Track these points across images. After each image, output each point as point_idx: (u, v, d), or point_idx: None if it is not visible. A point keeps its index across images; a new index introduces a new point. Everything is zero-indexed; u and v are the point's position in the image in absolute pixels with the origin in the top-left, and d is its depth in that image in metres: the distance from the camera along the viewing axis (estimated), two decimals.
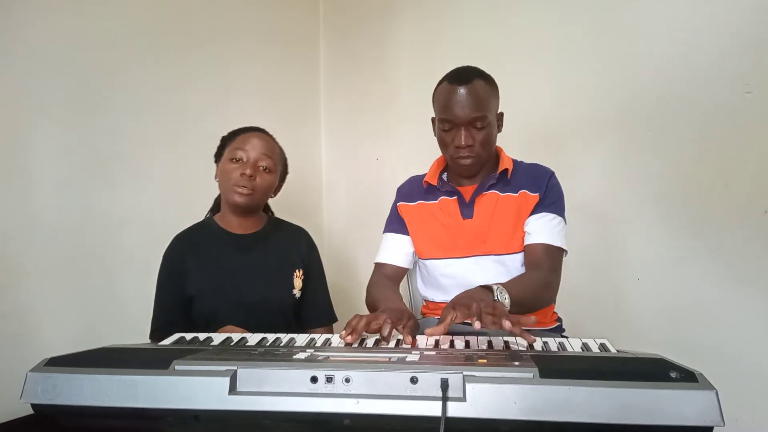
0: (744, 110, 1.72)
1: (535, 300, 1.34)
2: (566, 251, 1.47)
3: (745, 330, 1.74)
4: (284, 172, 1.68)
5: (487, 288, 1.19)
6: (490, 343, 1.10)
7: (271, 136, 1.64)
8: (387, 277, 1.58)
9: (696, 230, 1.84)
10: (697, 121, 1.82)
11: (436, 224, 1.54)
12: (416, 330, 1.29)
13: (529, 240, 1.45)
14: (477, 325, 1.03)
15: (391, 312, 1.21)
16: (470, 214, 1.50)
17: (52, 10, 1.88)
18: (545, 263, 1.41)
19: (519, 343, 1.09)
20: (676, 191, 1.87)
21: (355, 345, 1.13)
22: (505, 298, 1.17)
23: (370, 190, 2.80)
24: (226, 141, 1.61)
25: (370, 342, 1.15)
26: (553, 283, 1.42)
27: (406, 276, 1.68)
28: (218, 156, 1.62)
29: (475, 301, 1.08)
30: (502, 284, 1.22)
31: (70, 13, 1.93)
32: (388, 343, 1.13)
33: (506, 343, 1.10)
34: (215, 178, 1.62)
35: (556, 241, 1.44)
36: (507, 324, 1.02)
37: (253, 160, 1.54)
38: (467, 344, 1.10)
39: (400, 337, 1.15)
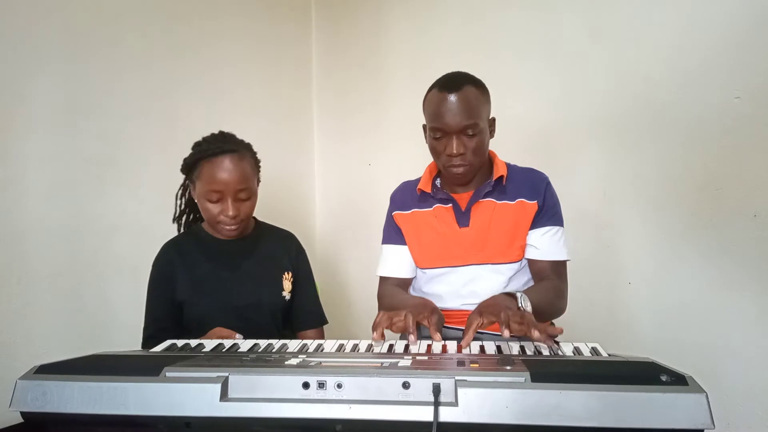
0: (733, 115, 1.73)
1: (550, 308, 1.38)
2: (569, 260, 1.50)
3: (735, 333, 1.75)
4: (258, 172, 1.59)
5: (511, 295, 1.22)
6: (482, 347, 1.10)
7: (236, 153, 1.48)
8: (394, 287, 1.58)
9: (687, 234, 1.85)
10: (687, 126, 1.83)
11: (432, 233, 1.52)
12: (441, 323, 1.31)
13: (536, 255, 1.47)
14: (506, 333, 1.06)
15: (413, 307, 1.23)
16: (466, 223, 1.49)
17: (42, 15, 1.87)
18: (553, 277, 1.45)
19: (511, 347, 1.10)
20: (667, 195, 1.89)
21: (348, 350, 1.13)
22: (528, 306, 1.19)
23: (362, 194, 2.80)
24: (192, 167, 1.51)
25: (383, 347, 1.14)
26: (564, 292, 1.46)
27: None
28: (188, 174, 1.54)
29: (503, 309, 1.10)
30: (524, 292, 1.25)
31: (60, 17, 1.92)
32: (416, 339, 1.14)
33: (498, 347, 1.10)
34: (193, 196, 1.56)
35: (562, 255, 1.48)
36: (536, 333, 1.06)
37: (231, 197, 1.46)
38: (459, 349, 1.10)
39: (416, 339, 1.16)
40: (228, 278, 1.57)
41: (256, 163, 1.57)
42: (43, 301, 1.86)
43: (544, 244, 1.46)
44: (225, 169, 1.45)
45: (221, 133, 1.56)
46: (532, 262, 1.49)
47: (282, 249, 1.67)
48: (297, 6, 2.93)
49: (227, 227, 1.49)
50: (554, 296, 1.41)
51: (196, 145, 1.53)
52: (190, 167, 1.52)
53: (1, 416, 1.47)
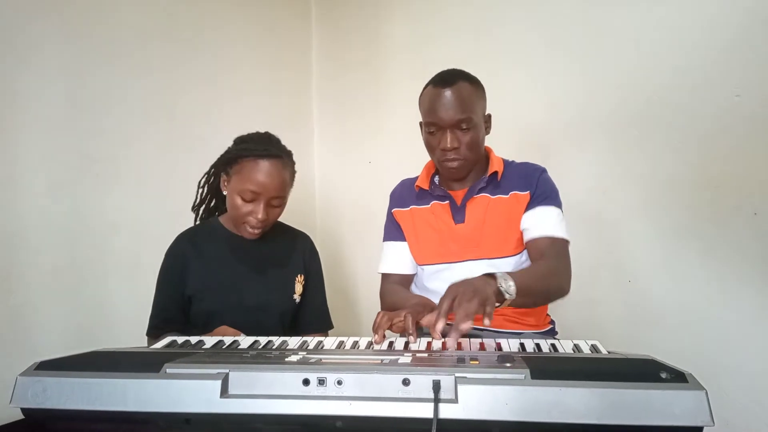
0: (733, 113, 1.73)
1: (544, 287, 1.31)
2: (569, 241, 1.44)
3: (735, 331, 1.75)
4: (293, 180, 1.59)
5: (491, 276, 1.16)
6: (482, 344, 1.10)
7: (280, 159, 1.49)
8: (396, 284, 1.58)
9: (686, 232, 1.85)
10: (687, 124, 1.83)
11: (429, 229, 1.53)
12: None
13: (529, 235, 1.42)
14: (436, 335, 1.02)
15: (412, 307, 1.23)
16: (462, 219, 1.49)
17: (41, 14, 1.87)
18: (550, 253, 1.38)
19: (511, 344, 1.10)
20: (666, 193, 1.88)
21: (348, 347, 1.13)
22: (509, 286, 1.14)
23: (363, 192, 2.80)
24: (233, 160, 1.49)
25: (383, 344, 1.15)
26: (560, 270, 1.38)
27: None
28: (224, 166, 1.52)
29: (468, 298, 1.04)
30: (509, 272, 1.18)
31: (59, 15, 1.92)
32: (415, 339, 1.13)
33: (498, 344, 1.10)
34: (222, 187, 1.54)
35: (557, 232, 1.41)
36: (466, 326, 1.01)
37: (264, 201, 1.46)
38: (459, 346, 1.10)
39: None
40: (240, 276, 1.56)
41: (293, 172, 1.57)
42: (43, 299, 1.86)
43: (536, 223, 1.42)
44: (267, 173, 1.45)
45: (268, 135, 1.56)
46: (528, 244, 1.44)
47: (296, 250, 1.67)
48: (297, 4, 2.93)
49: (251, 228, 1.49)
50: (547, 274, 1.34)
51: (241, 141, 1.53)
52: (230, 161, 1.51)
53: (2, 412, 1.48)
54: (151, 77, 2.18)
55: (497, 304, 1.11)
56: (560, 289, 1.37)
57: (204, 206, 1.68)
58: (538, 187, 1.46)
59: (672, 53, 1.85)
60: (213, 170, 1.63)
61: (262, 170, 1.45)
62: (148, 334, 1.54)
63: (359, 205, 2.81)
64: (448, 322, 1.44)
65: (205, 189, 1.66)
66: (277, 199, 1.49)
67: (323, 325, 1.69)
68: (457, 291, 1.07)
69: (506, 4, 2.28)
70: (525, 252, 1.48)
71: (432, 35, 2.52)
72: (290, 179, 1.55)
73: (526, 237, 1.44)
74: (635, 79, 1.93)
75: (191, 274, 1.54)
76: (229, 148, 1.55)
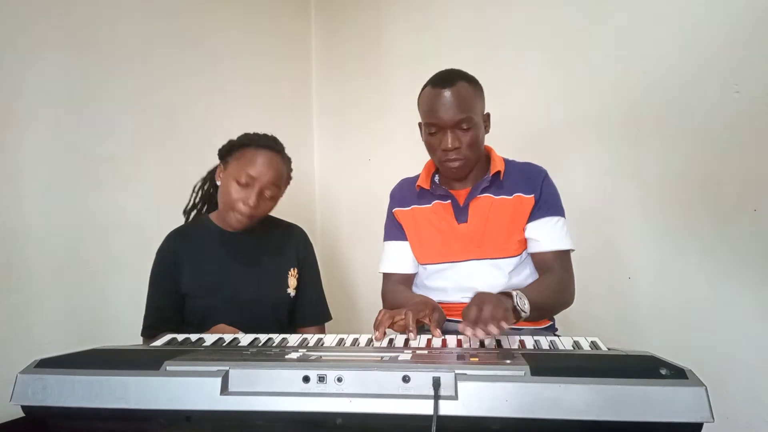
0: (733, 110, 1.73)
1: (554, 303, 1.40)
2: (573, 249, 1.49)
3: (735, 328, 1.76)
4: (287, 185, 1.63)
5: (507, 295, 1.22)
6: (481, 341, 1.10)
7: (280, 154, 1.55)
8: (398, 283, 1.59)
9: (686, 229, 1.85)
10: (687, 121, 1.83)
11: (431, 229, 1.53)
12: (443, 321, 1.32)
13: (537, 248, 1.47)
14: (469, 332, 1.05)
15: (413, 305, 1.24)
16: (465, 218, 1.50)
17: (43, 14, 1.87)
18: (557, 268, 1.44)
19: (511, 341, 1.10)
20: (667, 190, 1.89)
21: (348, 344, 1.13)
22: (524, 304, 1.21)
23: (362, 190, 2.80)
24: (235, 148, 1.54)
25: (383, 341, 1.15)
26: (569, 284, 1.46)
27: None
28: (223, 157, 1.56)
29: (495, 309, 1.07)
30: (522, 290, 1.25)
31: (58, 13, 1.92)
32: (415, 336, 1.14)
33: (498, 341, 1.10)
34: (217, 177, 1.57)
35: (564, 245, 1.46)
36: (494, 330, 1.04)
37: (258, 189, 1.48)
38: (459, 343, 1.10)
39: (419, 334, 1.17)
40: (233, 272, 1.56)
41: (290, 177, 1.61)
42: (43, 297, 1.86)
43: (544, 235, 1.46)
44: (267, 162, 1.50)
45: (274, 137, 1.60)
46: (534, 256, 1.48)
47: (289, 244, 1.67)
48: (297, 5, 2.93)
49: (240, 215, 1.49)
50: (557, 290, 1.41)
51: (245, 135, 1.57)
52: (231, 149, 1.54)
53: (2, 410, 1.48)
54: (151, 77, 2.19)
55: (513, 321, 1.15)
56: (566, 303, 1.45)
57: (195, 211, 1.69)
58: (543, 193, 1.48)
59: (672, 50, 1.85)
60: (209, 176, 1.65)
61: (262, 158, 1.49)
62: (142, 334, 1.53)
63: (359, 203, 2.81)
64: (454, 319, 1.45)
65: (199, 195, 1.67)
66: (271, 189, 1.50)
67: (321, 317, 1.69)
68: (483, 300, 1.11)
69: (506, 4, 2.28)
70: (525, 252, 1.50)
71: (432, 35, 2.52)
72: (286, 179, 1.57)
73: (533, 249, 1.48)
74: (635, 77, 1.93)
75: (184, 272, 1.54)
76: (231, 139, 1.57)
